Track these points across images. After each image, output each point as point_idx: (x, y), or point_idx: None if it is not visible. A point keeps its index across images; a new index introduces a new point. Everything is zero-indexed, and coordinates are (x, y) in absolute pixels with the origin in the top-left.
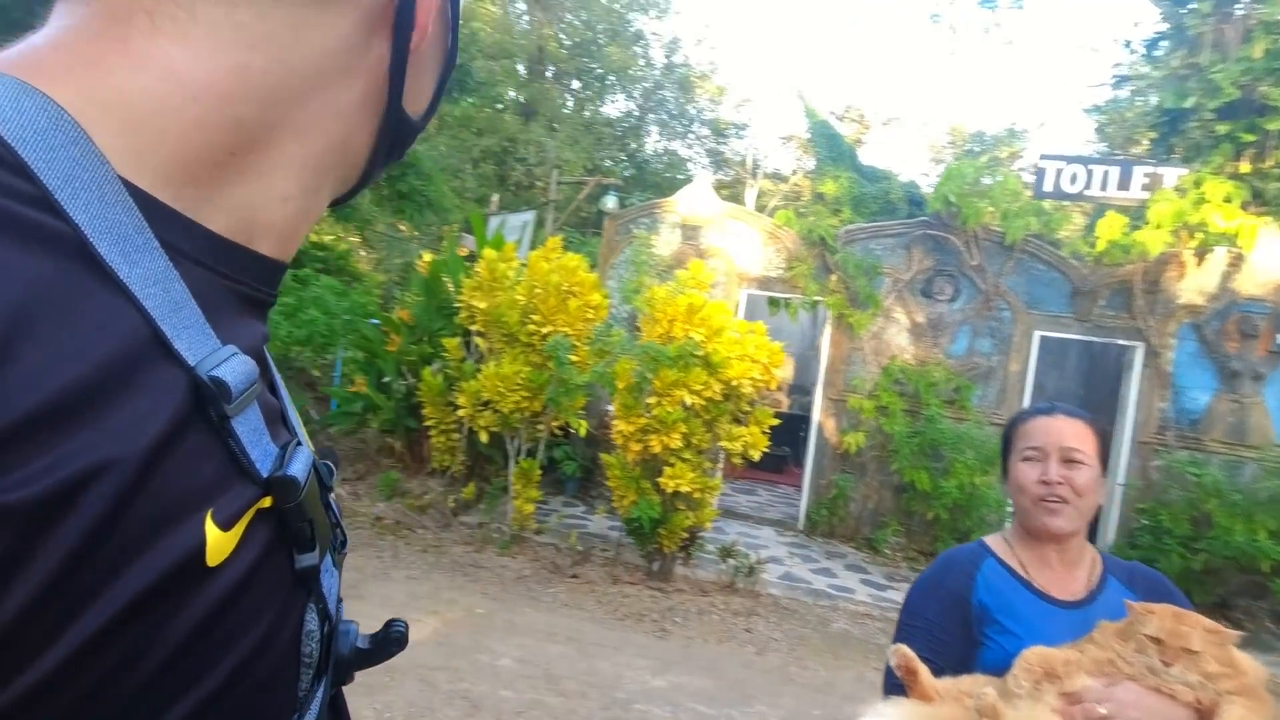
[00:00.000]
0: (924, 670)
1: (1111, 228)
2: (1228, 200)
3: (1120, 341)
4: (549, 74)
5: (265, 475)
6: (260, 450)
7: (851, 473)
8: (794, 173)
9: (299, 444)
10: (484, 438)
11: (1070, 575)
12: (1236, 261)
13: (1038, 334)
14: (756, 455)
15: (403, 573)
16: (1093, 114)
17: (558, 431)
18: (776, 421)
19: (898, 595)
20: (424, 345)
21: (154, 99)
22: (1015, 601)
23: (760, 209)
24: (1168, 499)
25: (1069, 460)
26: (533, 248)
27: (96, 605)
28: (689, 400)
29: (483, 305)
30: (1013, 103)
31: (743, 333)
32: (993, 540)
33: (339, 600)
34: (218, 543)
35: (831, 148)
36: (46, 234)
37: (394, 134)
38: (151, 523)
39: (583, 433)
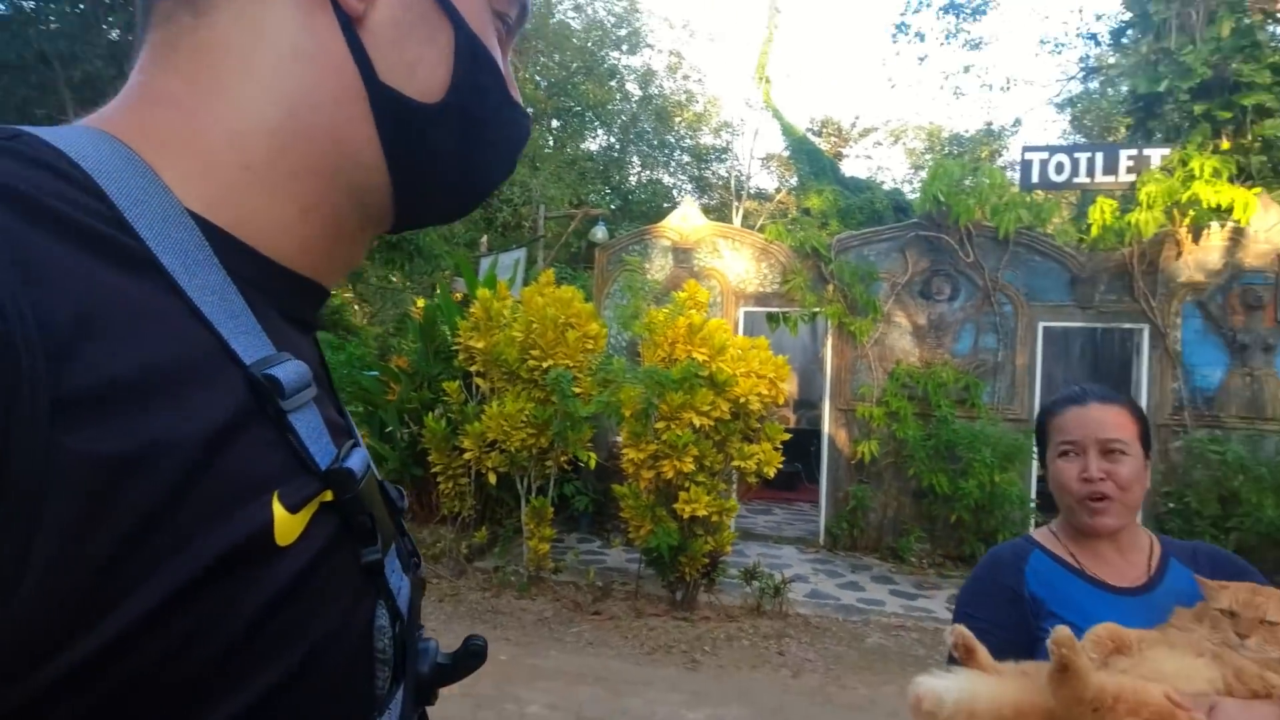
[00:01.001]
0: (982, 649)
1: (1103, 213)
2: (1216, 175)
3: (1125, 325)
4: (528, 114)
5: (324, 469)
6: (319, 447)
7: (868, 482)
8: (778, 191)
9: (355, 445)
10: (492, 479)
11: (1126, 562)
12: (1235, 235)
13: (1041, 325)
14: (771, 472)
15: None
16: (1065, 108)
17: (567, 467)
18: (788, 436)
19: (929, 603)
20: (424, 391)
21: (202, 141)
22: (1069, 592)
23: (748, 229)
24: (1192, 480)
25: (1109, 452)
26: (525, 284)
27: (173, 565)
28: (698, 422)
29: (480, 345)
30: (987, 103)
31: (745, 349)
32: (1039, 534)
33: (413, 609)
34: (286, 523)
35: (812, 163)
36: (118, 247)
37: (400, 122)
38: (222, 496)
39: (592, 465)
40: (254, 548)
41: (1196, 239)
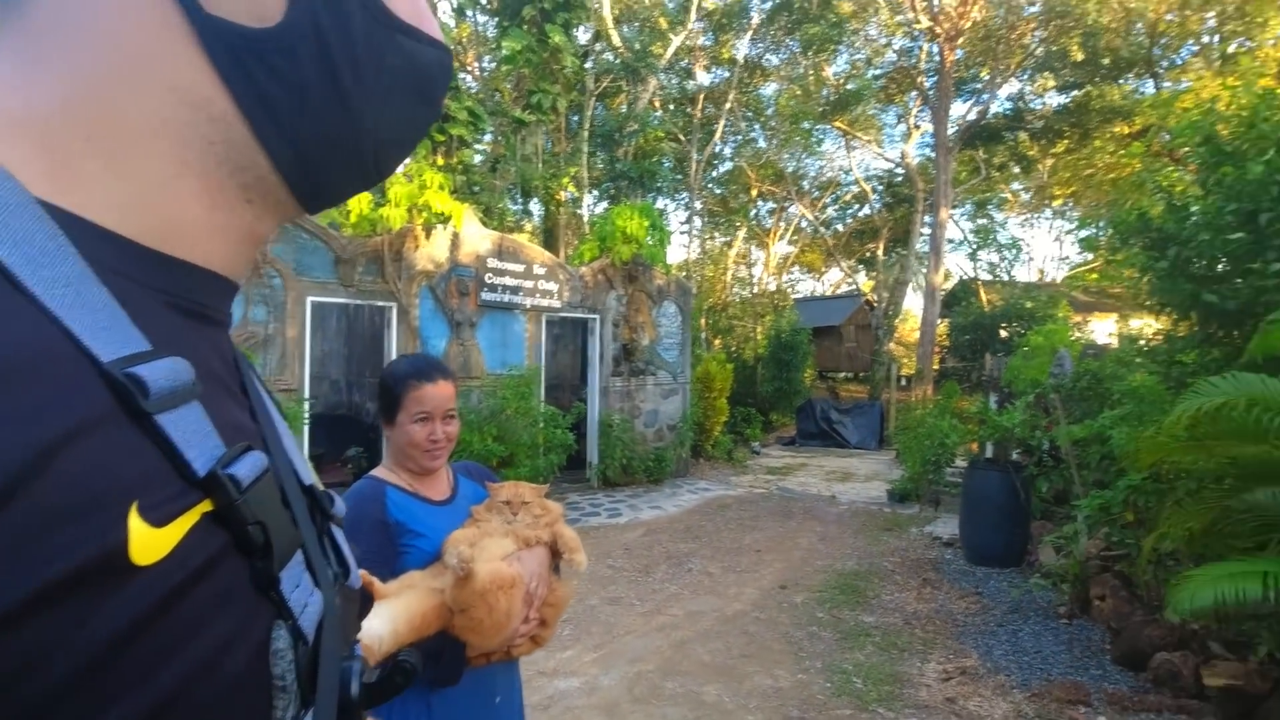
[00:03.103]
0: (378, 581)
1: (360, 203)
2: (441, 188)
3: (378, 303)
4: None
5: (202, 476)
6: (200, 452)
7: None
8: None
9: (249, 448)
10: None
11: (440, 483)
12: (454, 237)
13: (310, 300)
14: None
15: None
16: None
17: None
18: None
19: None
20: None
21: (35, 118)
22: (416, 512)
23: None
24: None
25: (447, 417)
26: None
27: None
28: None
29: None
30: None
31: None
32: (380, 472)
33: (329, 627)
34: (147, 539)
35: None
36: None
37: (238, 55)
38: (60, 512)
39: None
40: (100, 570)
41: (428, 236)
